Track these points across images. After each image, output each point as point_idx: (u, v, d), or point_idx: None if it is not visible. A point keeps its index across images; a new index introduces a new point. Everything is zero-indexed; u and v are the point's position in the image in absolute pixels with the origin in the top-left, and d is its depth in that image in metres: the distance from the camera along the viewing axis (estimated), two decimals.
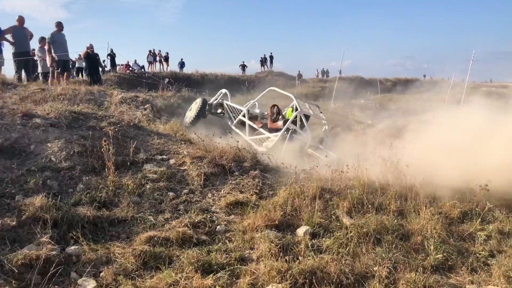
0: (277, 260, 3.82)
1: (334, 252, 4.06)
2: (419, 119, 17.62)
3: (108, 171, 5.20)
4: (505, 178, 6.05)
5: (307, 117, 9.60)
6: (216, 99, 11.54)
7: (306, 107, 9.98)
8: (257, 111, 10.22)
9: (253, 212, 4.79)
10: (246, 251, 4.11)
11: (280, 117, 10.08)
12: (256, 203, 5.07)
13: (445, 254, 4.22)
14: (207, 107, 11.09)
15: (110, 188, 5.05)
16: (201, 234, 4.39)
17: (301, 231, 4.48)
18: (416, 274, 3.79)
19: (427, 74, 54.00)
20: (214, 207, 5.08)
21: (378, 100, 27.52)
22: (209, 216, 4.77)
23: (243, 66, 40.07)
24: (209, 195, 5.38)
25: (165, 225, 4.50)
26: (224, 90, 11.53)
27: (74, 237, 4.03)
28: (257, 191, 5.48)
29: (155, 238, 4.13)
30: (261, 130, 9.40)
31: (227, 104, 10.86)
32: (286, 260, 3.82)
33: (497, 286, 3.79)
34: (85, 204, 4.67)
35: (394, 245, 4.31)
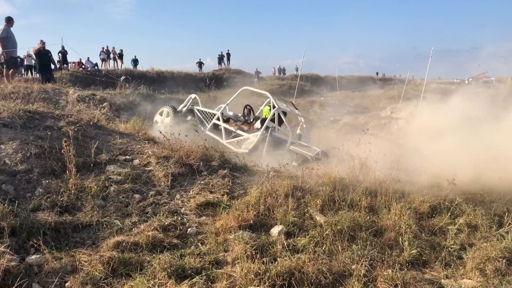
0: (253, 262, 3.70)
1: (310, 252, 3.98)
2: (378, 116, 18.17)
3: (70, 174, 4.89)
4: (468, 173, 6.22)
5: (284, 114, 9.41)
6: (185, 106, 10.61)
7: (283, 105, 9.72)
8: (230, 113, 9.75)
9: (226, 212, 4.65)
10: (221, 254, 3.96)
11: (253, 117, 9.75)
12: (228, 203, 4.92)
13: (418, 249, 4.24)
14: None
15: (72, 191, 4.75)
16: (172, 237, 4.19)
17: (275, 230, 4.37)
18: (393, 271, 3.77)
19: (380, 71, 56.07)
20: (183, 208, 4.88)
21: (337, 97, 27.90)
22: (179, 218, 4.57)
23: (200, 63, 39.51)
24: (178, 196, 5.17)
25: (133, 229, 4.27)
26: (193, 95, 10.84)
27: (35, 245, 3.73)
28: (228, 191, 5.32)
29: (124, 243, 3.91)
30: (239, 132, 9.02)
31: (198, 110, 10.15)
32: (263, 261, 3.72)
33: (472, 279, 3.84)
34: (46, 209, 4.37)
35: (368, 242, 4.28)
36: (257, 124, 9.06)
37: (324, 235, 4.25)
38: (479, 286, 3.70)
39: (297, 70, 47.91)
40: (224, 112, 9.70)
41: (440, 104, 14.91)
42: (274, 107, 9.00)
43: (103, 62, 31.85)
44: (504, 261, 4.10)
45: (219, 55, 40.43)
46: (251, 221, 4.47)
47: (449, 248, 4.40)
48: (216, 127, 9.43)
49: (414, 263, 4.09)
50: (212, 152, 6.32)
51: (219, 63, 40.25)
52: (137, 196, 4.99)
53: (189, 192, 5.27)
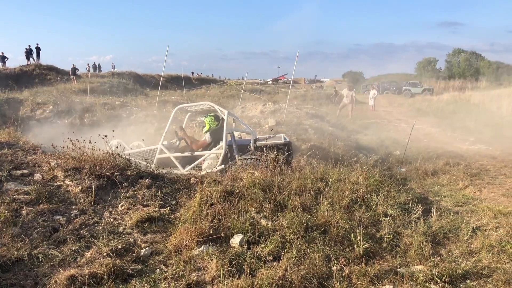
0: (239, 278, 3.47)
1: (283, 258, 3.90)
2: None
3: None
4: None
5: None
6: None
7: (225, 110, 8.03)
8: (165, 143, 8.12)
9: (174, 227, 4.24)
10: (194, 274, 3.58)
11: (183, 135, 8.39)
12: (171, 216, 4.49)
13: (363, 242, 4.51)
14: None
15: None
16: (131, 262, 3.64)
17: (235, 240, 4.14)
18: (359, 266, 3.95)
19: (188, 71, 58.54)
20: (121, 227, 4.27)
21: (184, 96, 27.61)
22: (131, 240, 3.99)
23: (3, 58, 34.32)
24: (106, 213, 4.49)
25: (79, 259, 3.58)
26: (115, 142, 8.20)
27: None
28: (162, 202, 4.84)
29: (80, 278, 3.25)
30: (196, 153, 7.66)
31: (131, 154, 7.83)
32: (250, 275, 3.51)
33: (419, 265, 4.25)
34: None
35: (321, 241, 4.39)
36: (207, 137, 7.97)
37: (288, 239, 4.22)
38: (428, 269, 4.12)
39: (113, 67, 46.14)
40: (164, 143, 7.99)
41: (284, 104, 16.15)
42: (216, 117, 8.01)
43: None
44: (430, 244, 4.65)
45: (26, 49, 35.72)
46: (207, 234, 4.16)
47: (386, 238, 4.77)
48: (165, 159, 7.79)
49: (366, 256, 4.35)
50: (120, 160, 5.63)
51: (27, 58, 35.56)
52: (59, 217, 4.18)
53: (117, 207, 4.63)
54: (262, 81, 66.23)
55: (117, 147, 6.33)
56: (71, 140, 5.21)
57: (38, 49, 36.58)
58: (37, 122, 13.12)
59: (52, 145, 5.51)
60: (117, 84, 33.68)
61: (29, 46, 35.94)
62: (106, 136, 5.63)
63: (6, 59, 34.63)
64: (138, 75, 42.64)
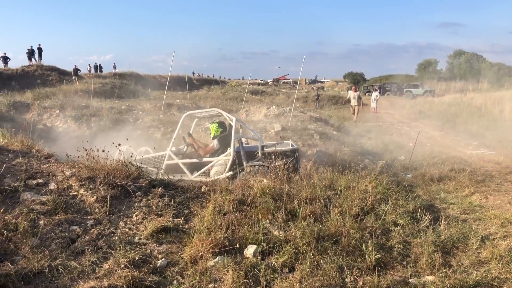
0: None
1: (297, 270, 3.96)
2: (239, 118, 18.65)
3: None
4: None
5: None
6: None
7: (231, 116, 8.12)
8: (173, 149, 8.25)
9: (189, 237, 4.30)
10: (210, 286, 3.65)
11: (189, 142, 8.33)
12: (186, 226, 4.56)
13: (379, 253, 4.56)
14: None
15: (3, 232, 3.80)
16: (148, 273, 3.71)
17: (249, 251, 4.21)
18: (372, 277, 4.01)
19: (189, 71, 58.58)
20: (137, 237, 4.33)
21: (187, 98, 27.70)
22: (147, 251, 4.05)
23: (5, 58, 34.77)
24: (121, 223, 4.56)
25: (97, 270, 3.63)
26: (123, 148, 7.40)
27: None
28: (175, 211, 4.90)
29: None
30: (205, 159, 7.73)
31: (141, 160, 7.85)
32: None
33: (430, 276, 4.31)
34: None
35: (333, 252, 4.45)
36: (215, 144, 8.08)
37: (301, 250, 4.28)
38: (439, 280, 4.18)
39: (114, 68, 46.45)
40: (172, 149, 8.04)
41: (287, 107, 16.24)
42: (220, 124, 8.09)
43: None
44: (439, 253, 4.71)
45: (28, 49, 36.00)
46: (222, 245, 4.22)
47: (396, 248, 4.83)
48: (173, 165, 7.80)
49: (378, 266, 4.40)
50: (133, 169, 5.70)
51: (29, 58, 35.90)
52: (75, 228, 4.25)
53: (132, 217, 4.69)
54: (262, 82, 66.35)
55: (130, 156, 6.38)
56: (85, 150, 5.28)
57: (40, 49, 36.80)
58: (44, 126, 13.20)
59: (67, 155, 5.58)
60: (119, 85, 33.79)
61: (31, 46, 36.27)
62: (119, 144, 5.70)
63: (8, 59, 34.89)
64: (139, 75, 42.86)
